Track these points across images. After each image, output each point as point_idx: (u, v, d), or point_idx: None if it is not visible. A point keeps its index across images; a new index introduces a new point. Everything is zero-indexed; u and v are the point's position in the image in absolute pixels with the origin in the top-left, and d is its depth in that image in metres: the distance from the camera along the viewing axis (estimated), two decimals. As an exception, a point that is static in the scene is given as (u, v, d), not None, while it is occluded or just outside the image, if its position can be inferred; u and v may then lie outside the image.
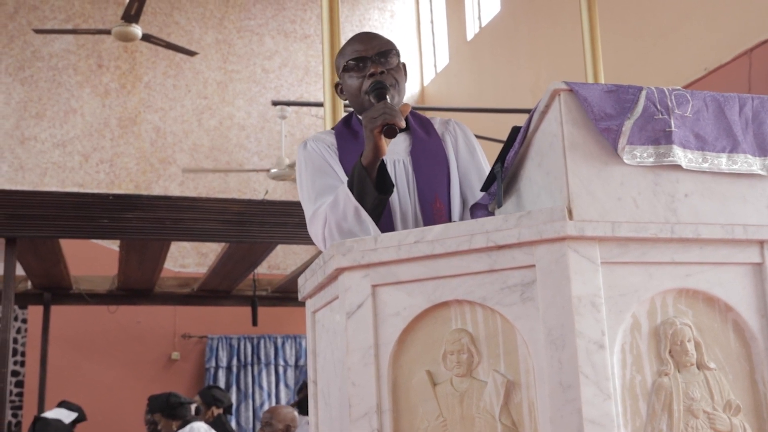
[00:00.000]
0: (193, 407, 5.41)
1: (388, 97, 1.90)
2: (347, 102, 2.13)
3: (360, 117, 2.06)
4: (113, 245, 8.76)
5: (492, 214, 1.67)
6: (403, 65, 2.08)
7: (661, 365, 1.33)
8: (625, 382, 1.31)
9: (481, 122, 9.00)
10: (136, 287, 7.99)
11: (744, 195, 1.42)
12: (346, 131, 2.08)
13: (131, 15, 6.97)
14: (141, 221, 5.52)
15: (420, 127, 2.08)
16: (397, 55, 2.05)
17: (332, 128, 2.19)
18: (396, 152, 2.01)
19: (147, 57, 11.15)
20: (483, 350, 1.34)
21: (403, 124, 1.77)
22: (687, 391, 1.33)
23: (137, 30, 7.19)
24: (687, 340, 1.34)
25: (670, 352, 1.34)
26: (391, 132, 1.74)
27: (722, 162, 1.41)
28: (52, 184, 10.41)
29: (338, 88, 2.13)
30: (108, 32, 7.40)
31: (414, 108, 2.20)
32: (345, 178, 1.94)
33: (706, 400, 1.34)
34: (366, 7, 12.24)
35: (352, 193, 1.78)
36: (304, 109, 10.91)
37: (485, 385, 1.33)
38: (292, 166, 8.60)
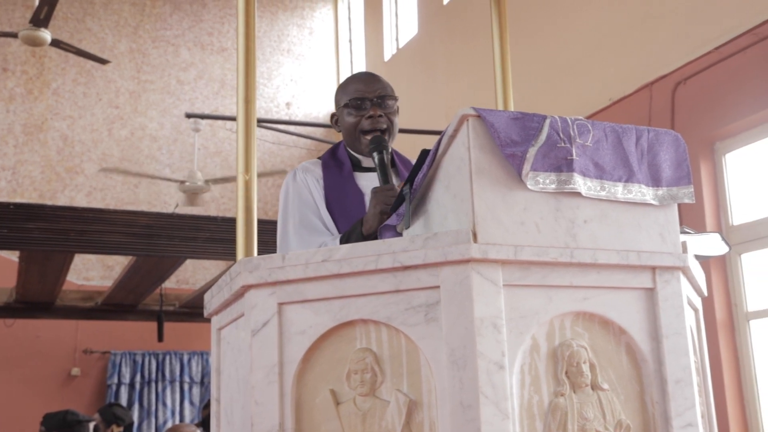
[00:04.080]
0: (91, 425, 5.23)
1: (385, 154, 2.14)
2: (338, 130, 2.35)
3: (349, 150, 2.30)
4: (12, 256, 8.40)
5: (400, 235, 1.69)
6: (397, 107, 2.30)
7: (557, 386, 1.37)
8: (524, 402, 1.34)
9: (397, 143, 9.07)
10: (36, 300, 7.68)
11: (639, 222, 1.49)
12: (332, 162, 2.27)
13: (40, 19, 6.75)
14: (44, 232, 5.33)
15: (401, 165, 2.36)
16: (396, 99, 2.26)
17: (319, 157, 2.37)
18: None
19: (56, 63, 10.80)
20: (387, 370, 1.36)
21: None
22: (581, 411, 1.37)
23: (46, 35, 6.97)
24: (583, 362, 1.39)
25: (566, 373, 1.38)
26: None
27: (618, 191, 1.47)
28: (-52, 190, 9.94)
29: (334, 119, 2.34)
30: (15, 35, 7.15)
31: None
32: (324, 211, 2.17)
33: (599, 420, 1.39)
34: (285, 23, 12.20)
35: None
36: (219, 122, 10.75)
37: (387, 405, 1.34)
38: (204, 180, 8.48)
